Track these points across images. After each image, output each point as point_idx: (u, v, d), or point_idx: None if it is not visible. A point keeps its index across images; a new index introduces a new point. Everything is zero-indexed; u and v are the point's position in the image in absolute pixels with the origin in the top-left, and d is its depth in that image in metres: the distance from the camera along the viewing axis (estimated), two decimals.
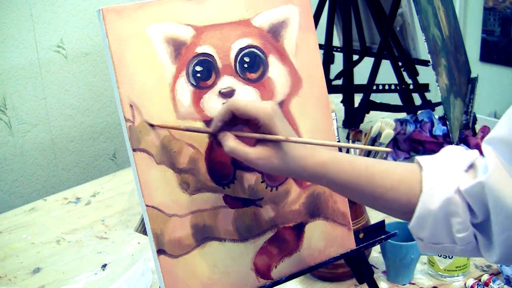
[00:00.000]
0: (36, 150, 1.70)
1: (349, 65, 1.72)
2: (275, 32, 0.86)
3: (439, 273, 1.09)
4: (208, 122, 0.81)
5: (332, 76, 1.84)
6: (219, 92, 0.81)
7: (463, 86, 1.57)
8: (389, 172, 0.76)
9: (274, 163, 0.74)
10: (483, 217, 0.71)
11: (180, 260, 0.79)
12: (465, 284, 1.06)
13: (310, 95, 0.88)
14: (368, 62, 1.73)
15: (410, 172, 0.75)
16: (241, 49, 0.83)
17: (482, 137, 1.46)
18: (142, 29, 0.77)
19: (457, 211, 0.72)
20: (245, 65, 0.83)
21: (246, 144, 0.75)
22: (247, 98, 0.83)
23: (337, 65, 1.81)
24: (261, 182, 0.85)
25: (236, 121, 0.76)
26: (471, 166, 0.74)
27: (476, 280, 1.06)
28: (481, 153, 0.74)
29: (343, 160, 0.76)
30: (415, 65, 1.72)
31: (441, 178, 0.73)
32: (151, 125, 0.77)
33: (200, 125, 0.80)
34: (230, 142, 0.75)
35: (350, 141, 1.13)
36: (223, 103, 0.79)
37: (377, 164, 0.77)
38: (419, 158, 0.76)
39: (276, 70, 0.85)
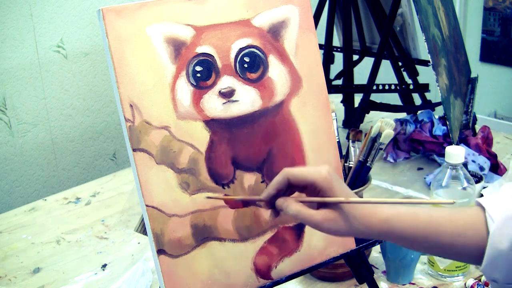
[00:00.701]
0: (36, 150, 1.70)
1: (349, 65, 1.72)
2: (275, 32, 0.86)
3: (439, 273, 1.09)
4: (208, 122, 0.81)
5: (332, 76, 1.84)
6: (219, 92, 0.81)
7: (463, 86, 1.57)
8: (454, 218, 0.75)
9: (340, 225, 0.74)
10: None
11: (180, 260, 0.79)
12: (465, 284, 1.06)
13: (310, 95, 0.88)
14: (368, 62, 1.73)
15: (474, 216, 0.75)
16: (241, 49, 0.83)
17: (482, 137, 1.46)
18: (142, 29, 0.77)
19: None
20: (245, 65, 0.83)
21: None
22: (247, 98, 0.83)
23: (337, 65, 1.80)
24: (261, 182, 0.85)
25: (293, 188, 0.76)
26: None
27: (476, 280, 1.06)
28: None
29: (406, 213, 0.75)
30: (415, 65, 1.72)
31: (506, 217, 0.72)
32: (209, 197, 0.80)
33: (200, 125, 0.80)
34: (294, 206, 0.75)
35: (350, 141, 1.13)
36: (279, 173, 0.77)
37: (440, 212, 0.77)
38: (479, 199, 0.76)
39: (276, 70, 0.85)
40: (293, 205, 0.75)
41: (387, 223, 0.75)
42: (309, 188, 0.75)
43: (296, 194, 0.77)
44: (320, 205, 0.76)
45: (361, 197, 1.08)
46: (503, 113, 3.02)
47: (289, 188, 0.76)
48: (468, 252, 0.75)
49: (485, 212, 0.74)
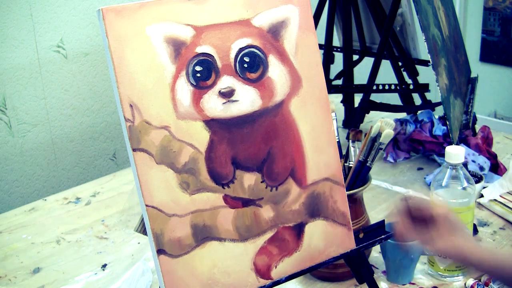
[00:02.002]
0: (36, 150, 1.70)
1: (349, 65, 1.72)
2: (275, 32, 0.86)
3: (439, 273, 1.09)
4: (208, 122, 0.81)
5: (332, 76, 1.84)
6: (219, 92, 0.82)
7: (463, 86, 1.57)
8: None
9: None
10: None
11: (180, 260, 0.79)
12: (465, 284, 1.06)
13: (310, 95, 0.88)
14: (368, 62, 1.73)
15: None
16: (241, 49, 0.83)
17: (482, 137, 1.46)
18: (142, 29, 0.77)
19: None
20: (245, 65, 0.83)
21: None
22: (247, 97, 0.83)
23: (337, 65, 1.80)
24: (261, 182, 0.85)
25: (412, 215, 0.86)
26: None
27: (476, 280, 1.06)
28: None
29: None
30: (415, 65, 1.72)
31: None
32: None
33: (200, 125, 0.80)
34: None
35: (350, 141, 1.13)
36: None
37: None
38: None
39: (276, 70, 0.85)
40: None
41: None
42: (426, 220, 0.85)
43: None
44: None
45: (361, 197, 1.08)
46: (503, 113, 3.02)
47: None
48: None
49: None
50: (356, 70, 1.77)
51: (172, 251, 0.78)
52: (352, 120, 1.63)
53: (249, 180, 0.84)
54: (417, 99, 1.74)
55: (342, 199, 0.90)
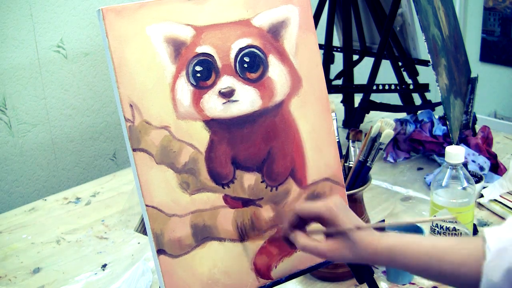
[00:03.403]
0: (36, 150, 1.70)
1: (349, 65, 1.72)
2: (275, 32, 0.86)
3: None
4: (208, 122, 0.81)
5: (332, 76, 1.84)
6: (219, 92, 0.82)
7: (463, 86, 1.57)
8: (457, 247, 0.76)
9: (345, 254, 0.78)
10: None
11: (180, 260, 0.79)
12: None
13: (310, 95, 0.88)
14: (368, 62, 1.73)
15: (478, 246, 0.74)
16: (241, 49, 0.83)
17: (482, 137, 1.46)
18: (142, 29, 0.77)
19: None
20: (245, 65, 0.83)
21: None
22: (247, 97, 0.83)
23: (337, 65, 1.81)
24: (261, 182, 0.85)
25: (307, 220, 0.81)
26: None
27: None
28: None
29: (410, 241, 0.77)
30: (415, 65, 1.72)
31: (499, 248, 0.71)
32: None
33: (200, 125, 0.80)
34: (301, 240, 0.80)
35: (350, 141, 1.13)
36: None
37: (443, 242, 0.78)
38: (485, 229, 0.76)
39: (276, 70, 0.85)
40: (300, 239, 0.80)
41: (391, 251, 0.77)
42: (319, 220, 0.79)
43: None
44: (328, 235, 0.79)
45: (361, 197, 1.08)
46: (503, 113, 3.03)
47: (304, 221, 0.81)
48: (472, 282, 0.74)
49: (485, 243, 0.73)
50: (356, 70, 1.77)
51: (172, 251, 0.78)
52: (352, 120, 1.63)
53: (249, 180, 0.84)
54: (417, 99, 1.74)
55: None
